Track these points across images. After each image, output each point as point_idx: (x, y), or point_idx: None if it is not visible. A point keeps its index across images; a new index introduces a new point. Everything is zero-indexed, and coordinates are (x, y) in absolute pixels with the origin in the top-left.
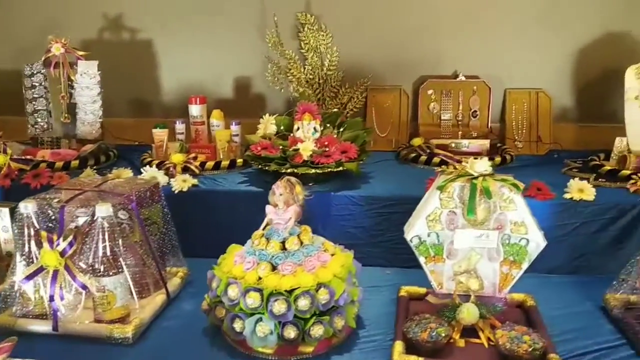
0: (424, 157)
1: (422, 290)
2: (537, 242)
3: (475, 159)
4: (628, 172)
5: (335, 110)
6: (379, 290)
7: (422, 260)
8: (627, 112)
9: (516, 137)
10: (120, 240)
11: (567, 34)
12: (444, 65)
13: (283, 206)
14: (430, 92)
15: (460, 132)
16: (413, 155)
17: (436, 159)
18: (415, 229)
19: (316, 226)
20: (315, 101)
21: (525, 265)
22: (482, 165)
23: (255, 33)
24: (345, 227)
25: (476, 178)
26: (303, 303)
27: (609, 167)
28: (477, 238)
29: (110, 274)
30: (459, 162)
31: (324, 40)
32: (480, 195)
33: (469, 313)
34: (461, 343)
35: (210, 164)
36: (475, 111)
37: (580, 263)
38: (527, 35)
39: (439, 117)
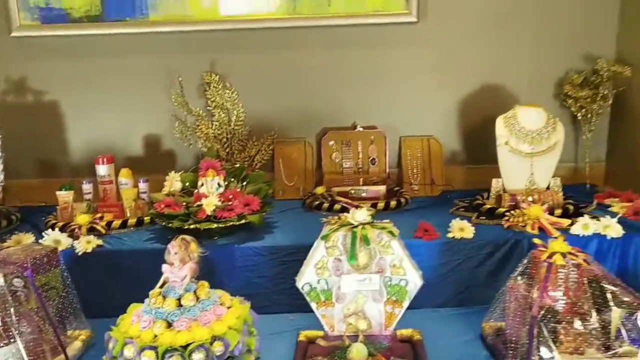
0: (326, 205)
1: (320, 333)
2: (414, 282)
3: (357, 208)
4: (503, 209)
5: (238, 165)
6: (282, 336)
7: (313, 305)
8: (500, 156)
9: (412, 181)
10: (12, 309)
11: (454, 86)
12: (344, 117)
13: (179, 264)
14: (331, 142)
15: (361, 179)
16: (317, 203)
17: (337, 206)
18: (305, 277)
19: (221, 279)
20: (223, 156)
21: (406, 304)
22: (362, 214)
23: (163, 93)
24: (250, 278)
25: (356, 227)
26: (198, 357)
27: (488, 206)
28: (361, 282)
29: (1, 344)
30: (358, 207)
31: (230, 97)
32: (360, 242)
33: (358, 352)
34: None
35: (116, 223)
36: (374, 159)
37: (464, 296)
38: (419, 88)
39: (341, 166)
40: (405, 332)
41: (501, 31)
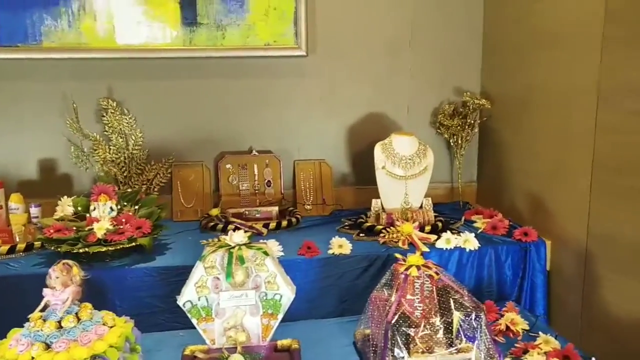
0: (220, 226)
1: (205, 347)
2: (287, 296)
3: (250, 228)
4: (380, 227)
5: (131, 189)
6: (170, 352)
7: (194, 321)
8: (378, 179)
9: (305, 201)
10: None
11: (342, 114)
12: (241, 142)
13: (60, 287)
14: (228, 166)
15: (257, 200)
16: (212, 224)
17: (231, 226)
18: (186, 296)
19: (113, 300)
20: (121, 179)
21: (280, 316)
22: (239, 236)
23: (59, 118)
24: (142, 298)
25: (233, 248)
26: None
27: (368, 224)
28: (238, 298)
29: None
30: (252, 227)
31: (128, 123)
32: (236, 262)
33: None
34: None
35: (4, 248)
36: (269, 181)
37: (345, 307)
38: (310, 116)
39: (238, 188)
40: (285, 342)
41: (383, 65)
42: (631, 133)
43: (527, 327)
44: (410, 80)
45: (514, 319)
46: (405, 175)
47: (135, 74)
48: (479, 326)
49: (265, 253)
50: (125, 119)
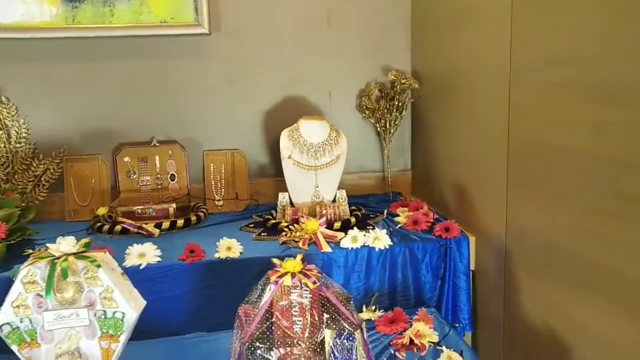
0: (107, 227)
1: None
2: (130, 313)
3: (139, 229)
4: (285, 224)
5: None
6: None
7: (15, 348)
8: (285, 170)
9: (216, 196)
10: None
11: (256, 98)
12: (142, 132)
13: None
14: (126, 159)
15: (160, 196)
16: (98, 225)
17: (118, 227)
18: (2, 317)
19: None
20: (3, 177)
21: (124, 337)
22: (67, 245)
23: None
24: None
25: (58, 258)
26: None
27: (273, 222)
28: (67, 318)
29: None
30: (141, 228)
31: (8, 112)
32: (59, 276)
33: None
34: None
35: None
36: (173, 174)
37: (234, 317)
38: (218, 101)
39: (138, 183)
40: None
41: (299, 45)
42: (544, 111)
43: (436, 340)
44: (330, 61)
45: (421, 330)
46: (315, 165)
47: (13, 57)
48: (352, 348)
49: (98, 265)
50: (5, 108)
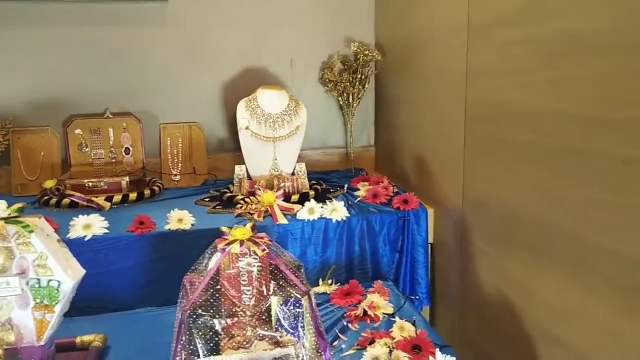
0: (54, 200)
1: None
2: (66, 282)
3: (88, 202)
4: (241, 196)
5: None
6: None
7: None
8: (242, 141)
9: (173, 171)
10: None
11: (214, 70)
12: (94, 103)
13: None
14: (78, 131)
15: (114, 170)
16: (45, 198)
17: (66, 201)
18: None
19: None
20: None
21: (59, 308)
22: None
23: None
24: None
25: None
26: None
27: (229, 194)
28: None
29: None
30: (90, 201)
31: None
32: None
33: None
34: None
35: None
36: (128, 148)
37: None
38: (176, 72)
39: (91, 157)
40: (87, 338)
41: (260, 13)
42: (501, 73)
43: (391, 311)
44: (292, 31)
45: (375, 302)
46: (273, 137)
47: None
48: (301, 315)
49: (31, 230)
50: None
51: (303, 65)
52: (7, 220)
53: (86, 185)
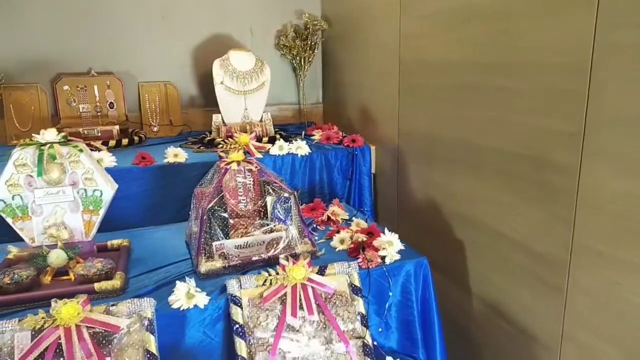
0: None
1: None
2: (107, 192)
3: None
4: (220, 139)
5: None
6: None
7: (10, 221)
8: (217, 94)
9: (152, 123)
10: None
11: (186, 35)
12: (78, 62)
13: None
14: (66, 87)
15: (100, 122)
16: None
17: None
18: None
19: None
20: None
21: (102, 211)
22: (51, 134)
23: None
24: None
25: (44, 145)
26: None
27: (209, 138)
28: (55, 195)
29: None
30: (90, 145)
31: None
32: (48, 159)
33: (57, 257)
34: (47, 280)
35: None
36: (112, 103)
37: (185, 213)
38: (152, 36)
39: (78, 110)
40: (116, 242)
41: None
42: (423, 35)
43: (347, 218)
44: (251, 4)
45: (335, 211)
46: (244, 90)
47: None
48: (289, 208)
49: (80, 150)
50: None
51: (261, 33)
52: (61, 143)
53: (82, 132)
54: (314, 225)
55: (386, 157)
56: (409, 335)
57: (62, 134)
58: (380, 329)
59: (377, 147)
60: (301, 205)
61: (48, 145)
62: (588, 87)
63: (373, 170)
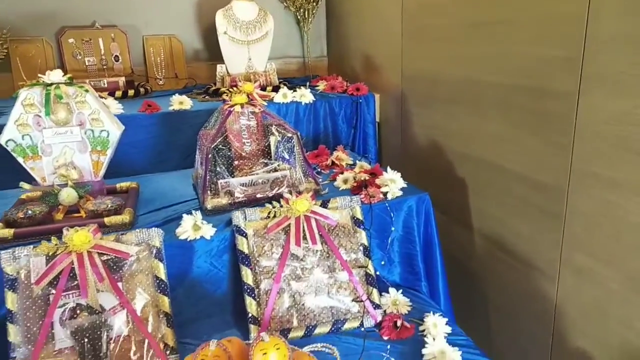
0: None
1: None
2: (114, 132)
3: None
4: (224, 89)
5: None
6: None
7: (21, 160)
8: (221, 44)
9: (157, 76)
10: None
11: None
12: (82, 16)
13: None
14: (71, 40)
15: (107, 75)
16: None
17: None
18: (7, 134)
19: None
20: None
21: (110, 152)
22: (57, 75)
23: None
24: None
25: (50, 85)
26: None
27: (214, 88)
28: (64, 135)
29: None
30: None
31: None
32: (55, 99)
33: (68, 195)
34: (59, 217)
35: None
36: (117, 56)
37: (191, 160)
38: None
39: (84, 63)
40: (125, 184)
41: None
42: None
43: (351, 163)
44: None
45: (339, 156)
46: (247, 40)
47: None
48: (293, 148)
49: (86, 90)
50: None
51: None
52: (67, 83)
53: (89, 83)
54: (319, 170)
55: (390, 105)
56: (411, 269)
57: (69, 75)
58: (383, 262)
59: (381, 96)
60: (306, 152)
61: (54, 85)
62: (588, 7)
63: (377, 119)
